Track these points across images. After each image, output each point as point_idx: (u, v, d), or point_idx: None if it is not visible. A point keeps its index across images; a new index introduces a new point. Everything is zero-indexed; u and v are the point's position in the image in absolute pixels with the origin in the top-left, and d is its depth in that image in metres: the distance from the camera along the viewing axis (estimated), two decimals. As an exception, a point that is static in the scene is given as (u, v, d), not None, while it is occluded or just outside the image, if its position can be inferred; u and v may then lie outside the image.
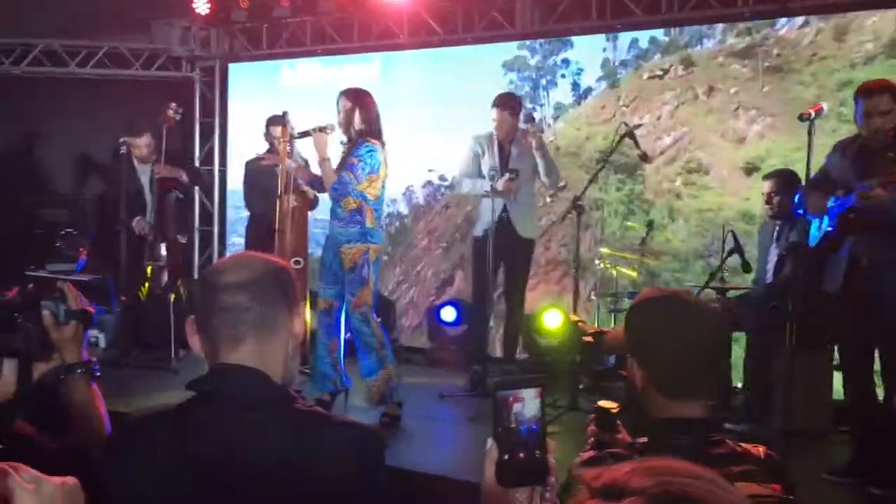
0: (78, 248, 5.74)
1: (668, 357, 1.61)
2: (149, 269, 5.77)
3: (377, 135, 4.60)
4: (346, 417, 1.55)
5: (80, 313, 1.80)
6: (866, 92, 3.63)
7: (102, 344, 2.52)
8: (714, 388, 1.64)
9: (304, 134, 4.64)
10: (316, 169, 4.90)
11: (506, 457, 1.15)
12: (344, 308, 4.68)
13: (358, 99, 4.63)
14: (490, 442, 1.17)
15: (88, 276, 5.65)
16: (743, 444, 1.61)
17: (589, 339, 1.86)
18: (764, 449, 1.62)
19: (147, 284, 5.80)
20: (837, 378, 4.35)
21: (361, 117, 4.58)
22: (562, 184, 5.75)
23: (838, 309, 3.82)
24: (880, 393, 3.85)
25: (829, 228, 3.74)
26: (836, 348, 4.22)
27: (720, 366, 1.68)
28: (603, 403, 1.85)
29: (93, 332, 1.59)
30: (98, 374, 1.82)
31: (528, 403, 1.15)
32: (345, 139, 4.67)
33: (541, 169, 5.35)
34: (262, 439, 1.42)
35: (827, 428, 4.50)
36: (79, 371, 1.78)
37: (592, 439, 1.81)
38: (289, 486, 1.39)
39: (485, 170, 5.33)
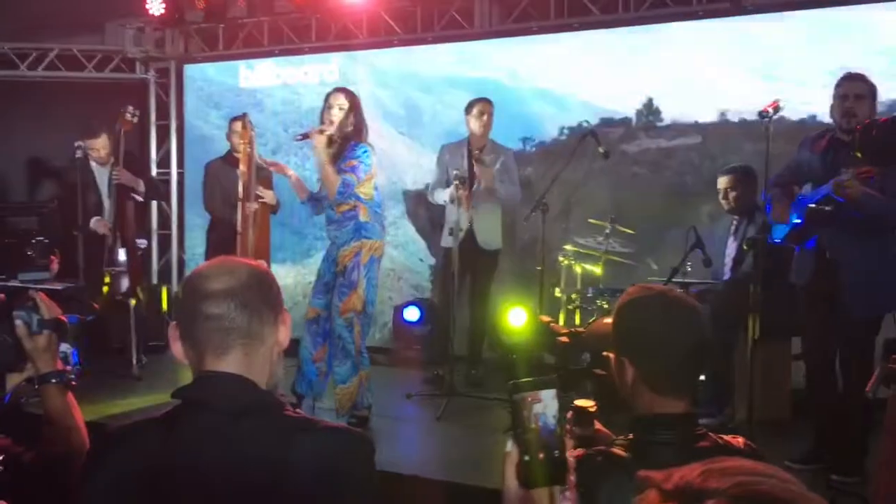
0: (49, 256, 5.60)
1: (662, 355, 1.64)
2: (107, 276, 5.66)
3: (365, 136, 4.61)
4: (335, 423, 1.55)
5: (53, 322, 1.78)
6: (847, 76, 3.73)
7: (74, 360, 2.45)
8: (698, 384, 1.68)
9: (304, 136, 4.60)
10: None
11: (526, 458, 1.16)
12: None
13: (353, 99, 4.61)
14: (510, 444, 1.18)
15: (61, 285, 5.52)
16: (723, 437, 1.65)
17: (564, 339, 1.88)
18: (743, 440, 1.67)
19: (106, 290, 5.69)
20: (796, 368, 4.47)
21: (355, 118, 4.57)
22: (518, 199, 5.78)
23: (804, 301, 3.90)
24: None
25: (798, 221, 3.81)
26: (801, 339, 4.30)
27: (710, 362, 1.71)
28: (580, 402, 1.87)
29: (64, 347, 1.56)
30: (74, 383, 1.80)
31: (546, 404, 1.16)
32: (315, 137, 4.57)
33: (498, 183, 5.42)
34: (252, 447, 1.41)
35: (787, 417, 4.62)
36: (53, 381, 1.76)
37: (572, 438, 1.83)
38: (280, 493, 1.38)
39: (451, 177, 5.39)
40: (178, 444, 1.41)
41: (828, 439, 3.86)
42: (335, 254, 4.62)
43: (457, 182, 5.13)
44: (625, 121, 6.11)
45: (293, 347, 4.65)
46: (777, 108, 3.65)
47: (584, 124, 5.21)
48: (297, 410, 1.54)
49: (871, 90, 3.71)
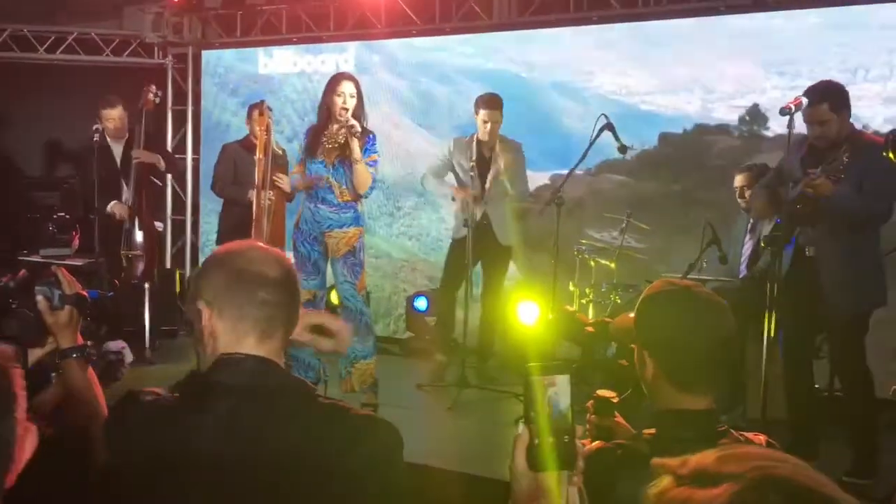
0: (70, 233, 5.64)
1: (684, 350, 1.62)
2: (123, 258, 5.68)
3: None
4: (366, 410, 1.55)
5: (74, 298, 1.79)
6: (809, 103, 3.71)
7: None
8: (721, 380, 1.66)
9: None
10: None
11: (536, 441, 1.16)
12: (337, 294, 4.73)
13: (359, 86, 4.65)
14: (521, 427, 1.18)
15: (81, 261, 5.54)
16: (745, 434, 1.63)
17: (591, 328, 1.87)
18: (764, 437, 1.65)
19: (122, 273, 5.71)
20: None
21: (362, 107, 4.60)
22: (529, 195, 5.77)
23: (783, 297, 3.91)
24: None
25: (778, 220, 3.86)
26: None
27: (732, 359, 1.69)
28: (602, 392, 1.86)
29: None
30: (94, 358, 1.80)
31: (560, 389, 1.16)
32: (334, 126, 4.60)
33: (507, 181, 5.41)
34: (286, 431, 1.42)
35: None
36: (74, 356, 1.77)
37: (590, 427, 1.83)
38: (311, 477, 1.39)
39: (460, 172, 5.38)
40: (207, 426, 1.41)
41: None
42: (319, 233, 4.62)
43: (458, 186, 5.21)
44: (646, 114, 6.08)
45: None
46: (800, 105, 3.62)
47: (602, 118, 5.16)
48: (331, 398, 1.55)
49: (836, 106, 3.69)
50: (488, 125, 5.33)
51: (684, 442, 1.55)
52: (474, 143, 5.45)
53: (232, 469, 1.38)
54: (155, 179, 6.00)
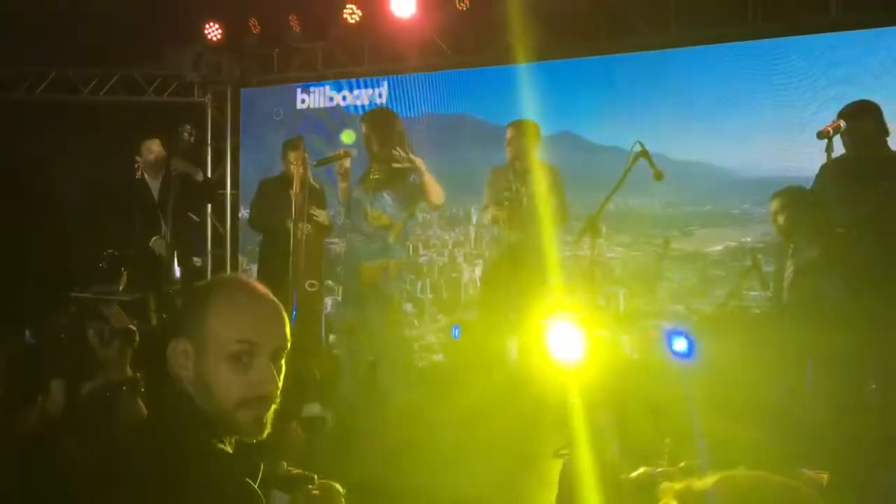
0: (120, 269, 5.78)
1: (718, 376, 1.61)
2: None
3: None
4: None
5: (123, 332, 1.84)
6: (848, 116, 3.66)
7: None
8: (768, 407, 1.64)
9: (328, 160, 4.71)
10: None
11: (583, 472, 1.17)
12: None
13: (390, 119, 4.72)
14: (566, 459, 1.19)
15: (130, 296, 5.67)
16: (803, 471, 1.60)
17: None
18: (827, 476, 1.61)
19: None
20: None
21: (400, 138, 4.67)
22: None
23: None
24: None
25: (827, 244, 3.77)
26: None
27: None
28: (680, 419, 1.85)
29: None
30: (143, 389, 1.84)
31: (605, 422, 1.17)
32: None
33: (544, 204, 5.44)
34: None
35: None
36: (124, 388, 1.81)
37: (667, 452, 1.81)
38: None
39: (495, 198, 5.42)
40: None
41: None
42: (355, 264, 4.66)
43: (501, 203, 5.17)
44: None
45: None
46: (838, 129, 3.58)
47: (637, 146, 5.16)
48: None
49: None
50: (514, 143, 5.39)
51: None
52: (510, 170, 5.50)
53: None
54: (192, 215, 6.11)
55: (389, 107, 7.11)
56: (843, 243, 3.76)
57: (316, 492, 1.50)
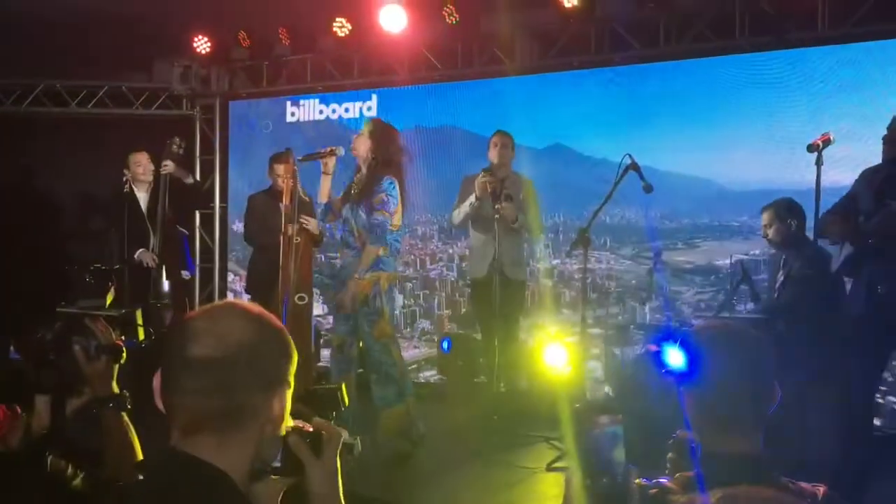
0: (107, 283, 5.73)
1: (714, 388, 1.60)
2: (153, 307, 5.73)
3: (397, 170, 4.66)
4: None
5: (110, 348, 1.81)
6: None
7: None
8: (764, 421, 1.63)
9: (313, 157, 4.72)
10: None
11: (589, 482, 1.16)
12: (361, 342, 4.68)
13: (384, 132, 4.68)
14: (571, 469, 1.17)
15: (118, 311, 5.61)
16: (802, 484, 1.58)
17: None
18: (824, 488, 1.60)
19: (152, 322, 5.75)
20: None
21: (384, 152, 4.62)
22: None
23: (857, 334, 3.82)
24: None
25: (850, 252, 3.72)
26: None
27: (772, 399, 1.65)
28: (682, 433, 1.83)
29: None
30: (129, 406, 1.82)
31: (611, 429, 1.16)
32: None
33: (521, 216, 5.41)
34: None
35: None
36: (111, 405, 1.78)
37: (670, 466, 1.79)
38: None
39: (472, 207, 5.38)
40: None
41: None
42: (348, 279, 4.63)
43: (484, 173, 5.12)
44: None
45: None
46: (827, 142, 3.60)
47: (627, 158, 5.16)
48: None
49: None
50: (498, 147, 5.39)
51: (727, 486, 1.52)
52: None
53: None
54: (181, 228, 6.07)
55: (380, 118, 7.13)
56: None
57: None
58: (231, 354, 1.23)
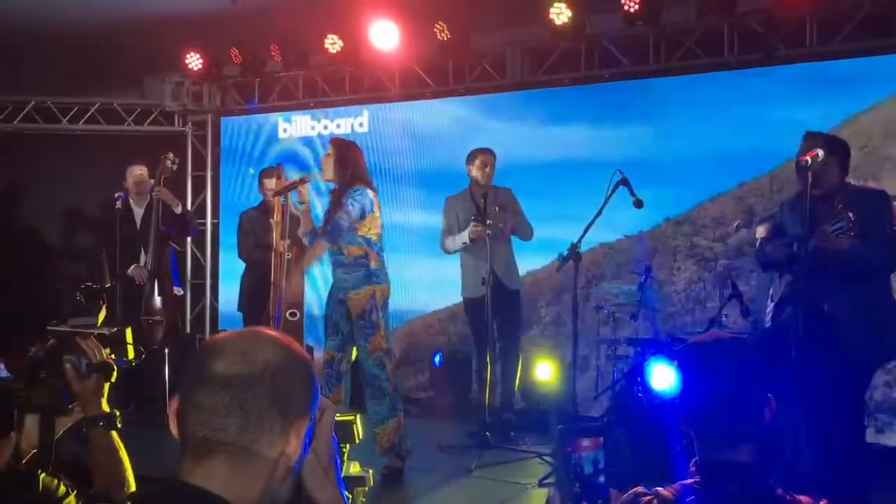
0: (98, 301, 5.72)
1: (705, 402, 1.62)
2: (144, 323, 5.72)
3: (367, 183, 4.68)
4: None
5: (101, 366, 1.80)
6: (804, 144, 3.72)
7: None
8: (758, 432, 1.63)
9: (290, 187, 4.69)
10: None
11: None
12: (352, 356, 4.68)
13: (347, 149, 4.71)
14: (552, 490, 1.18)
15: (109, 329, 5.60)
16: (797, 496, 1.59)
17: None
18: (808, 499, 1.60)
19: (143, 338, 5.73)
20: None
21: (351, 167, 4.64)
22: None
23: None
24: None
25: (790, 277, 3.79)
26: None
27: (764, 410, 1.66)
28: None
29: None
30: (120, 425, 1.81)
31: (592, 452, 1.16)
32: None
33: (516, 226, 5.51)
34: None
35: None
36: (101, 423, 1.78)
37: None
38: None
39: (462, 222, 5.41)
40: None
41: None
42: (342, 296, 4.64)
43: (473, 221, 5.19)
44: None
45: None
46: (816, 157, 3.61)
47: (617, 174, 5.19)
48: None
49: (833, 150, 3.70)
50: (487, 168, 5.49)
51: (729, 497, 1.53)
52: (468, 194, 5.55)
53: None
54: (174, 244, 6.08)
55: (372, 134, 7.17)
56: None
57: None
58: (256, 373, 1.19)
